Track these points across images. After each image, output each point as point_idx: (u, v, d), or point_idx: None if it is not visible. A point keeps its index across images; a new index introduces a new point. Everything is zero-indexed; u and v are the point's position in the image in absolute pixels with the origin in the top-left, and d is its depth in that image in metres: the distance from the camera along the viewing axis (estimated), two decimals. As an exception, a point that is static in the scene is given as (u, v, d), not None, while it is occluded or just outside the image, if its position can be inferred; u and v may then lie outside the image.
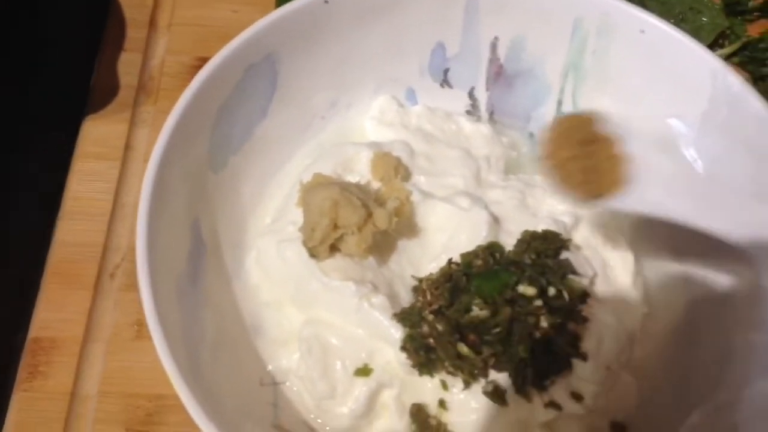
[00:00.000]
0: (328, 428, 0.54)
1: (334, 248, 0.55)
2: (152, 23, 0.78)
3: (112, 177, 0.68)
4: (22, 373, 0.59)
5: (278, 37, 0.60)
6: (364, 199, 0.55)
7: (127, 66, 0.74)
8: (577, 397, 0.53)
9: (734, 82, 0.58)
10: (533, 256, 0.56)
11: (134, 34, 0.77)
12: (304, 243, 0.55)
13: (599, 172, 0.50)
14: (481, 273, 0.55)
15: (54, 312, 0.62)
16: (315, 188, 0.56)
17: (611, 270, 0.59)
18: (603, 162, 0.50)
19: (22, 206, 0.67)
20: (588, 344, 0.54)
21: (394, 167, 0.60)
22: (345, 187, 0.55)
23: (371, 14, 0.63)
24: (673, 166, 0.48)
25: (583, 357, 0.53)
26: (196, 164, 0.57)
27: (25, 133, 0.68)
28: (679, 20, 0.77)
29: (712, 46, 0.77)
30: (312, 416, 0.55)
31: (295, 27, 0.61)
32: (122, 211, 0.66)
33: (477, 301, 0.53)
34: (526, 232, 0.58)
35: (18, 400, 0.58)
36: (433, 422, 0.53)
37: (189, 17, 0.78)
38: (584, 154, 0.49)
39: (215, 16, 0.78)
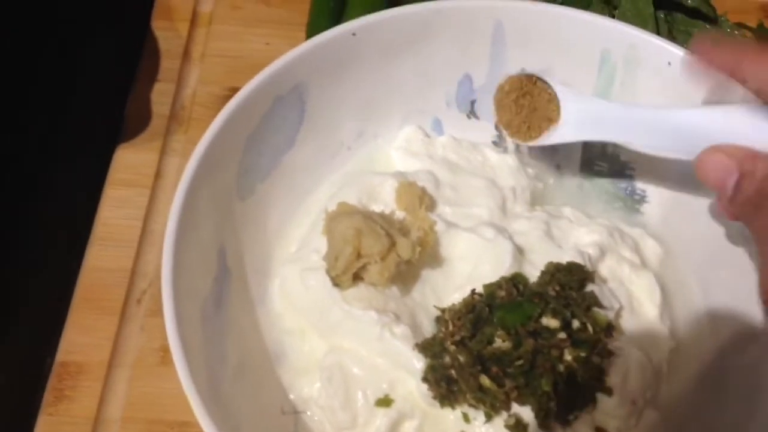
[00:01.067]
0: (348, 458, 0.54)
1: (357, 277, 0.55)
2: (186, 54, 0.79)
3: (142, 204, 0.69)
4: (48, 396, 0.60)
5: (306, 69, 0.61)
6: (388, 228, 0.55)
7: (160, 96, 0.76)
8: (601, 432, 0.52)
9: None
10: (557, 288, 0.55)
11: (168, 65, 0.78)
12: (328, 271, 0.55)
13: (536, 118, 0.60)
14: (504, 304, 0.54)
15: (81, 336, 0.62)
16: (339, 217, 0.56)
17: (638, 303, 0.58)
18: (539, 109, 0.60)
19: (55, 231, 0.69)
20: (613, 378, 0.52)
21: (418, 197, 0.60)
22: (368, 216, 0.56)
23: (398, 46, 0.64)
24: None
25: (608, 391, 0.52)
26: (224, 191, 0.58)
27: (60, 159, 0.70)
28: (708, 53, 0.76)
29: (742, 79, 0.76)
30: (333, 446, 0.54)
31: (323, 59, 0.62)
32: (150, 238, 0.67)
33: (500, 332, 0.52)
34: (550, 263, 0.57)
35: (43, 423, 0.59)
36: (454, 455, 0.52)
37: (222, 49, 0.79)
38: (522, 107, 0.60)
39: (248, 47, 0.79)
